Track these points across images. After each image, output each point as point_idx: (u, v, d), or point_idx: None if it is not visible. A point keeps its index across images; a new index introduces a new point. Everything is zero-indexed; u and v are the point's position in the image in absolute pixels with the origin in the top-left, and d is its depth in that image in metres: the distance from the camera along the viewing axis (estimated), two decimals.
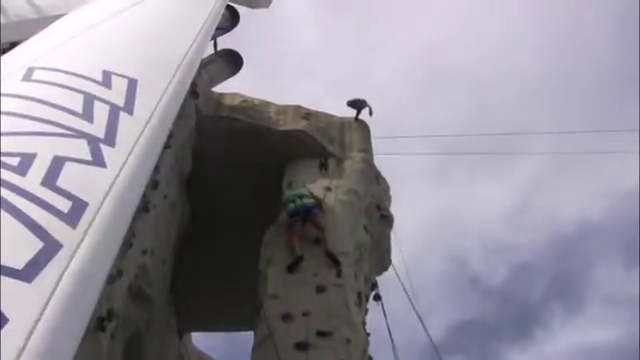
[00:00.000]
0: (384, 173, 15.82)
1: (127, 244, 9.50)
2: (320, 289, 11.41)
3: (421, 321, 12.98)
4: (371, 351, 11.92)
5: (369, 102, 16.17)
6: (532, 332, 46.00)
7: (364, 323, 12.24)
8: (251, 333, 12.36)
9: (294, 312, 11.02)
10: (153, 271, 11.28)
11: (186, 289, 15.51)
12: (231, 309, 17.13)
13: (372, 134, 16.12)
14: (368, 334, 12.09)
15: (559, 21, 42.87)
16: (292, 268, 11.80)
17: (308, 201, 12.86)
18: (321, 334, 10.60)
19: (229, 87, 17.13)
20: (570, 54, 44.31)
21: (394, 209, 15.76)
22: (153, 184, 10.90)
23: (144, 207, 10.44)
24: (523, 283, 46.81)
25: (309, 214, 12.64)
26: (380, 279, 14.68)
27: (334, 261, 11.85)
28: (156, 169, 10.23)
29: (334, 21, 49.75)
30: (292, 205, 12.82)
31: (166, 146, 9.64)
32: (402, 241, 15.89)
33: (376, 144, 16.09)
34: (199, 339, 19.63)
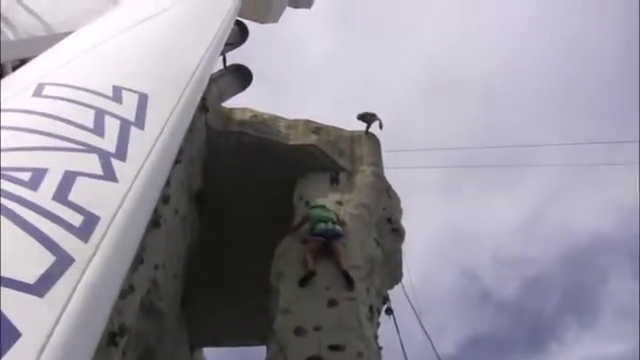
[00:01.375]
0: (395, 186, 15.81)
1: (138, 259, 9.51)
2: (332, 303, 11.40)
3: (427, 336, 12.90)
4: None
5: (379, 115, 16.18)
6: (546, 346, 45.72)
7: (376, 337, 12.21)
8: (263, 348, 12.34)
9: (306, 326, 11.00)
10: (165, 286, 11.29)
11: (197, 304, 15.51)
12: (243, 324, 17.12)
13: (382, 147, 16.13)
14: (380, 348, 12.04)
15: (569, 31, 42.83)
16: (304, 282, 11.78)
17: (338, 228, 12.79)
18: (333, 348, 10.58)
19: (239, 102, 17.20)
20: (581, 63, 44.25)
21: (405, 223, 15.74)
22: (164, 199, 10.92)
23: (155, 222, 10.45)
24: (536, 296, 46.56)
25: (335, 240, 12.57)
26: (392, 293, 14.65)
27: (348, 281, 11.81)
28: (167, 184, 10.26)
29: (342, 35, 49.87)
30: (323, 225, 12.74)
31: (176, 161, 9.67)
32: (413, 255, 15.87)
33: (386, 157, 16.09)
34: (211, 354, 19.62)
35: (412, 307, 13.89)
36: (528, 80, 46.90)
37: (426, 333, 13.17)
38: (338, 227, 12.84)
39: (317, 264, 12.07)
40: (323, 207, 13.42)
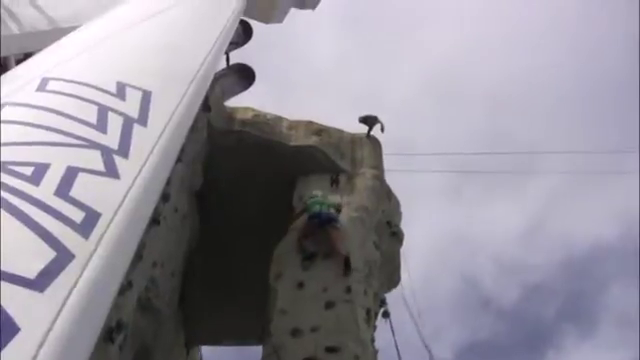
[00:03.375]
0: (396, 190, 15.81)
1: (137, 256, 9.51)
2: (329, 305, 11.40)
3: (423, 340, 12.91)
4: None
5: (382, 118, 16.17)
6: (544, 354, 45.73)
7: (373, 340, 12.21)
8: (259, 348, 12.34)
9: (303, 327, 11.01)
10: (162, 283, 11.30)
11: (195, 302, 15.50)
12: (240, 323, 17.11)
13: (384, 151, 16.12)
14: (376, 351, 12.05)
15: (577, 38, 42.82)
16: (307, 262, 11.85)
17: (333, 212, 12.94)
18: (329, 350, 10.60)
19: (241, 101, 17.17)
20: (587, 71, 44.24)
21: (405, 227, 15.74)
22: (164, 197, 10.92)
23: (155, 219, 10.45)
24: (536, 304, 46.55)
25: (330, 223, 12.67)
26: (390, 297, 14.66)
27: (347, 266, 11.88)
28: (167, 182, 10.25)
29: (348, 37, 49.90)
30: (318, 206, 12.86)
31: (177, 159, 9.67)
32: (412, 259, 15.89)
33: (388, 161, 16.10)
34: (207, 354, 19.60)
35: (408, 309, 13.90)
36: (534, 87, 46.87)
37: (419, 330, 13.21)
38: (332, 211, 12.94)
39: (315, 265, 12.10)
40: (318, 197, 13.53)
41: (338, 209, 13.26)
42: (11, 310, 3.16)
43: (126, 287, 9.23)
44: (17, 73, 5.91)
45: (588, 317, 47.73)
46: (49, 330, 3.26)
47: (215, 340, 18.73)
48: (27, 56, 7.77)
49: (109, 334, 8.60)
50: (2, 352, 2.99)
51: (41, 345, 3.16)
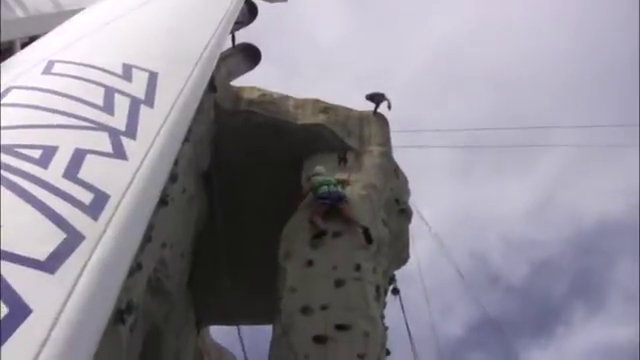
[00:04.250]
0: (404, 168, 15.75)
1: (146, 237, 9.52)
2: (339, 283, 11.41)
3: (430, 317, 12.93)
4: (390, 346, 11.91)
5: (388, 96, 16.11)
6: (553, 329, 45.76)
7: (382, 317, 12.22)
8: (270, 327, 12.38)
9: (313, 305, 11.03)
10: (172, 264, 11.31)
11: (204, 283, 15.55)
12: (250, 303, 17.14)
13: (392, 128, 16.07)
14: (386, 328, 12.07)
15: (586, 12, 42.48)
16: (316, 239, 11.89)
17: (341, 190, 12.96)
18: (340, 327, 10.61)
19: (247, 81, 17.11)
20: (597, 45, 43.92)
21: (413, 205, 15.71)
22: (172, 177, 10.90)
23: (163, 200, 10.45)
24: (544, 280, 46.53)
25: (339, 202, 12.70)
26: (399, 275, 14.67)
27: (367, 238, 11.95)
28: (175, 162, 10.25)
29: (353, 16, 49.63)
30: (325, 187, 12.86)
31: (185, 139, 9.66)
32: (421, 237, 15.87)
33: (395, 139, 16.04)
34: (218, 334, 19.70)
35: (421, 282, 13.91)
36: (544, 62, 46.58)
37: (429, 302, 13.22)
38: (340, 189, 12.96)
39: (324, 242, 12.12)
40: (323, 175, 13.54)
41: (343, 184, 13.25)
42: (23, 292, 3.18)
43: (135, 269, 9.25)
44: (23, 57, 5.92)
45: (596, 293, 47.68)
46: (60, 312, 3.27)
47: (226, 320, 18.77)
48: (32, 39, 7.76)
49: (119, 315, 8.62)
50: (15, 334, 3.01)
51: (53, 326, 3.17)
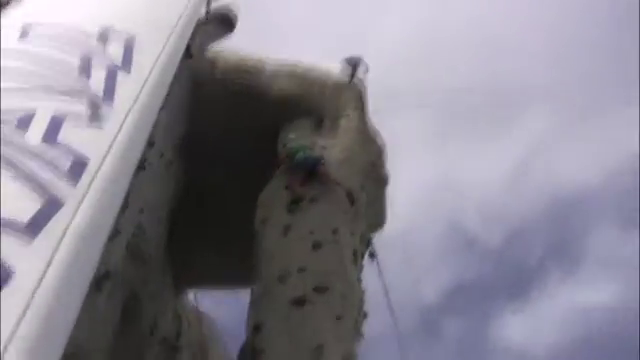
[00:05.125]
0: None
1: (124, 203, 9.50)
2: (316, 245, 11.47)
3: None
4: (368, 309, 12.03)
5: (365, 60, 16.07)
6: (528, 293, 46.37)
7: (359, 280, 12.32)
8: (248, 291, 12.44)
9: (290, 269, 11.10)
10: (150, 230, 11.30)
11: (182, 248, 15.57)
12: (227, 268, 17.20)
13: (370, 94, 16.05)
14: (363, 291, 12.17)
15: None
16: (293, 205, 11.92)
17: (316, 154, 12.89)
18: (317, 290, 10.69)
19: (223, 48, 16.96)
20: (581, 10, 43.91)
21: (391, 171, 15.74)
22: (149, 143, 10.85)
23: (140, 165, 10.41)
24: (520, 248, 47.05)
25: (315, 167, 12.68)
26: (378, 241, 14.75)
27: (350, 200, 12.02)
28: (152, 128, 10.21)
29: None
30: (301, 154, 12.80)
31: (162, 106, 9.61)
32: (398, 204, 15.94)
33: (372, 104, 16.03)
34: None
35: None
36: (525, 27, 46.50)
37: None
38: (315, 153, 12.92)
39: (301, 207, 12.16)
40: (297, 140, 13.52)
41: (316, 148, 13.22)
42: (4, 255, 3.18)
43: (113, 234, 9.24)
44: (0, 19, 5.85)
45: (571, 258, 48.31)
46: (42, 277, 3.28)
47: (204, 285, 18.85)
48: (8, 2, 7.67)
49: (97, 282, 8.62)
50: None
51: (35, 291, 3.19)
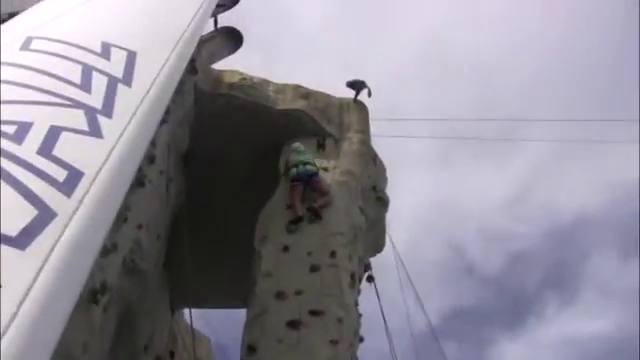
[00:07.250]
0: (383, 156, 15.80)
1: (122, 218, 9.49)
2: (314, 268, 11.45)
3: (419, 300, 13.02)
4: (364, 334, 12.00)
5: (370, 84, 16.13)
6: (526, 320, 46.23)
7: (357, 304, 12.28)
8: (244, 311, 12.40)
9: (287, 290, 11.07)
10: (148, 246, 11.28)
11: (180, 265, 15.53)
12: (225, 286, 17.18)
13: (372, 116, 16.10)
14: (360, 315, 12.13)
15: (568, 7, 42.63)
16: (292, 225, 11.99)
17: (310, 168, 13.05)
18: (313, 313, 10.66)
19: (229, 65, 17.05)
20: (579, 40, 44.13)
21: (391, 194, 15.77)
22: (149, 159, 10.87)
23: (140, 182, 10.42)
24: (519, 272, 46.93)
25: (310, 180, 12.81)
26: (376, 262, 14.76)
27: (315, 214, 12.11)
28: (153, 144, 10.22)
29: (335, 1, 49.58)
30: (294, 170, 12.99)
31: (163, 121, 9.62)
32: (398, 226, 15.96)
33: (375, 127, 16.08)
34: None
35: (402, 267, 13.96)
36: (525, 56, 46.75)
37: (416, 293, 13.28)
38: (309, 167, 13.10)
39: (300, 228, 12.21)
40: (299, 151, 13.69)
41: (314, 165, 13.40)
42: None
43: (110, 249, 9.22)
44: (1, 32, 5.87)
45: (570, 285, 48.15)
46: (30, 288, 3.27)
47: (201, 303, 18.79)
48: (11, 16, 7.70)
49: (93, 296, 8.60)
50: None
51: (22, 302, 3.17)
